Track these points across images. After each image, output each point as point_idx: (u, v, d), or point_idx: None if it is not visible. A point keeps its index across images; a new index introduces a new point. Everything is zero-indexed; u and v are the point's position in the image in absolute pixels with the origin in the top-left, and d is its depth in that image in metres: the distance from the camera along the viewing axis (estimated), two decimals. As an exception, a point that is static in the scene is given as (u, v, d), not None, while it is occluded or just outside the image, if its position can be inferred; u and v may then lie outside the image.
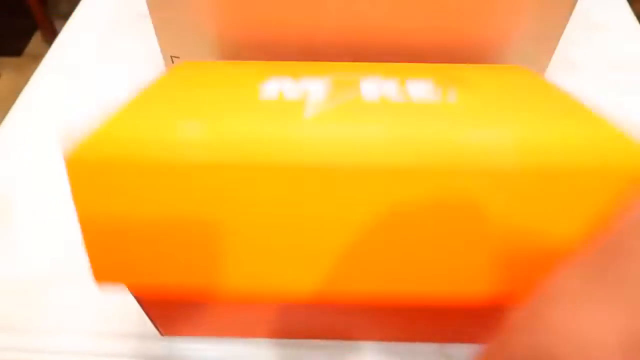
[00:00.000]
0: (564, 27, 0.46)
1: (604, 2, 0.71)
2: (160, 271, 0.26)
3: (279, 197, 0.26)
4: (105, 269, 0.26)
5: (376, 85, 0.33)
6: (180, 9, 0.47)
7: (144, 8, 0.50)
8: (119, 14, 0.69)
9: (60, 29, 0.69)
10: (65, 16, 0.72)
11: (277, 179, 0.26)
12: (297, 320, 0.38)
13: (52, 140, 0.54)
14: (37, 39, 1.91)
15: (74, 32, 0.68)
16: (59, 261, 0.44)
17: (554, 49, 0.49)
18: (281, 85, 0.33)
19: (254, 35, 0.48)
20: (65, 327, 0.41)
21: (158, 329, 0.39)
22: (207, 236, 0.27)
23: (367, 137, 0.27)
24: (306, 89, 0.32)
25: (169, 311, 0.37)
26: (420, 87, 0.33)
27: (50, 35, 1.77)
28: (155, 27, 0.50)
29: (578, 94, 0.59)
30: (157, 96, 0.30)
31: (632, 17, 0.69)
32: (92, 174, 0.23)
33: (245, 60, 0.46)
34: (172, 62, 0.52)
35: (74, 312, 0.41)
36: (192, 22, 0.48)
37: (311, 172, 0.26)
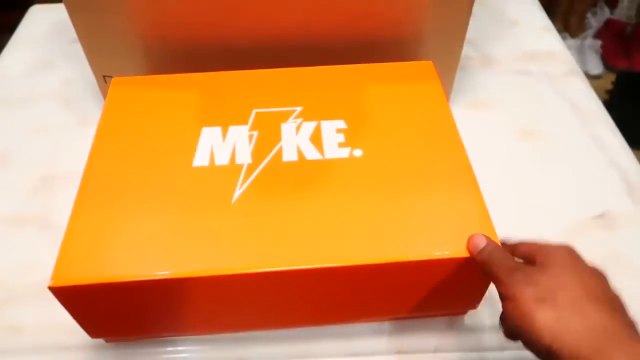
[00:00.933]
0: (467, 21, 0.50)
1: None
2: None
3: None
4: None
5: (294, 141, 0.42)
6: (106, 32, 0.49)
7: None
8: (53, 41, 0.70)
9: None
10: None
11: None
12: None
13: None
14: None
15: (10, 61, 0.68)
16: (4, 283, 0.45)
17: (462, 41, 0.52)
18: (212, 143, 0.42)
19: (176, 49, 0.50)
20: (16, 345, 0.42)
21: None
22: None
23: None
24: (234, 148, 0.42)
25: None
26: (332, 139, 0.42)
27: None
28: (85, 52, 0.52)
29: (493, 86, 0.63)
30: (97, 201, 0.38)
31: (542, 12, 0.74)
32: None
33: (171, 70, 0.48)
34: (105, 81, 0.54)
35: (26, 330, 0.42)
36: (119, 43, 0.50)
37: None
